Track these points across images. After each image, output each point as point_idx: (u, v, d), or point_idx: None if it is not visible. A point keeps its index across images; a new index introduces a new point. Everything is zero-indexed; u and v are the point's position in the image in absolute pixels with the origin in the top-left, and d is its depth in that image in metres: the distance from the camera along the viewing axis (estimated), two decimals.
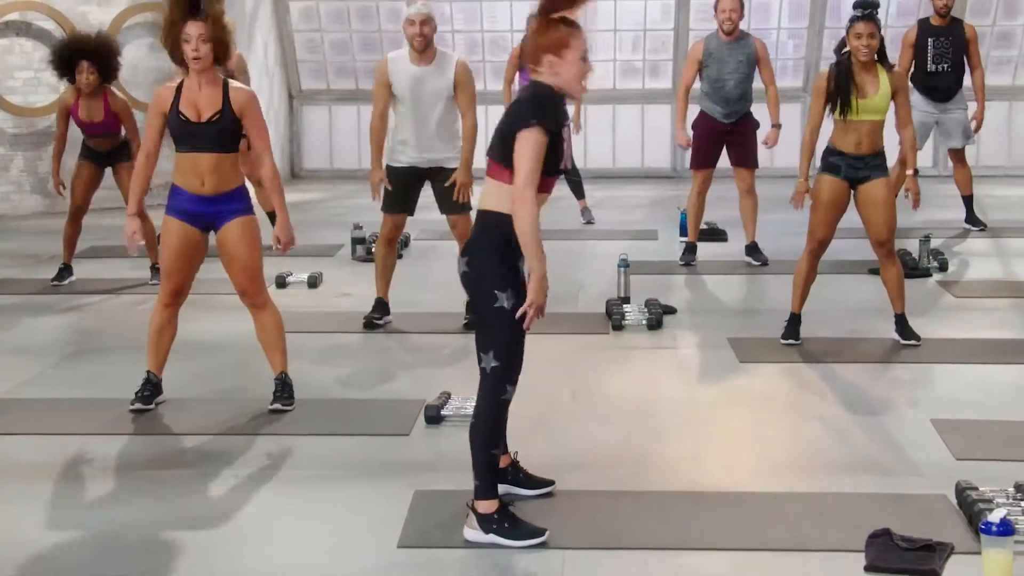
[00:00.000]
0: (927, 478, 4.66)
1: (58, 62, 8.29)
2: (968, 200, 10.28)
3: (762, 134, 9.01)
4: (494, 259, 4.07)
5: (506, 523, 4.07)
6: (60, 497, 4.57)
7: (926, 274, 8.41)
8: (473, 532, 4.08)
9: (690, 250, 8.95)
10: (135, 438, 5.24)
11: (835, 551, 3.99)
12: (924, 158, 12.81)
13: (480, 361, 4.12)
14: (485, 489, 4.11)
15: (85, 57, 8.18)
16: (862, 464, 4.85)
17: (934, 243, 8.99)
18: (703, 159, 8.87)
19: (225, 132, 5.33)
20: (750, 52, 8.78)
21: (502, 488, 4.28)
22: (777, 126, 8.90)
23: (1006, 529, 3.68)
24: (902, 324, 6.60)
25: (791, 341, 6.61)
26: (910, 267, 8.26)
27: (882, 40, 6.28)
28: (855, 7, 6.23)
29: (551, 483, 4.51)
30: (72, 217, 8.45)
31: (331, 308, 7.74)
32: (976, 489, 4.28)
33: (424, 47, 6.68)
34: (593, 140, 14.14)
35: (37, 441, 5.23)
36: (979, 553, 3.75)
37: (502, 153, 4.04)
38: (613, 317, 7.08)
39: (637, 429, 5.26)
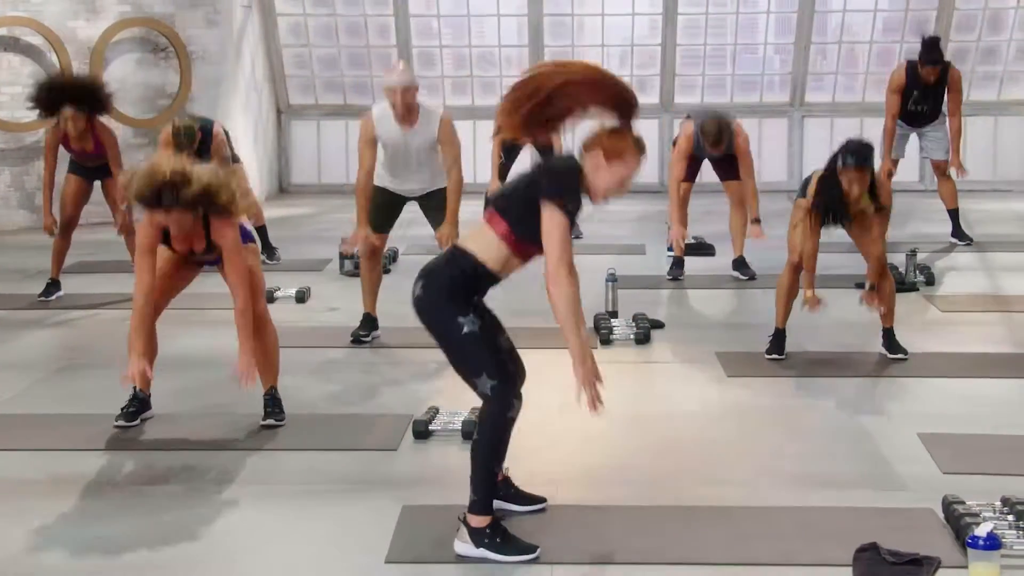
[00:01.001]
0: (914, 492, 4.67)
1: (40, 105, 8.18)
2: (954, 214, 10.32)
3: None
4: (450, 290, 4.07)
5: (498, 538, 4.06)
6: (46, 513, 4.55)
7: (912, 288, 8.43)
8: (464, 546, 4.08)
9: (677, 264, 8.96)
10: (122, 454, 5.23)
11: (822, 565, 3.99)
12: (909, 172, 12.88)
13: (476, 388, 4.08)
14: (481, 504, 4.09)
15: (68, 102, 8.08)
16: (849, 478, 4.86)
17: (920, 257, 9.02)
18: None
19: (220, 260, 5.37)
20: (731, 149, 8.61)
21: (495, 504, 4.28)
22: (757, 220, 8.62)
23: (993, 543, 3.69)
24: (889, 338, 6.62)
25: (775, 356, 6.62)
26: (897, 281, 8.27)
27: (872, 178, 6.35)
28: (849, 155, 6.27)
29: (543, 500, 4.50)
30: (62, 231, 8.43)
31: (319, 323, 7.74)
32: (963, 503, 4.29)
33: (407, 113, 6.68)
34: None
35: (23, 457, 5.21)
36: (966, 567, 3.76)
37: (506, 206, 4.06)
38: (601, 331, 7.08)
39: (625, 444, 5.27)
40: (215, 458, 5.14)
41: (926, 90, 9.90)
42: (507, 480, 4.50)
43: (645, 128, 14.90)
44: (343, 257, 9.18)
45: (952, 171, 10.10)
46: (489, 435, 4.10)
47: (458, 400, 5.50)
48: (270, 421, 5.51)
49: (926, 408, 5.81)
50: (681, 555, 4.10)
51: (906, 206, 11.15)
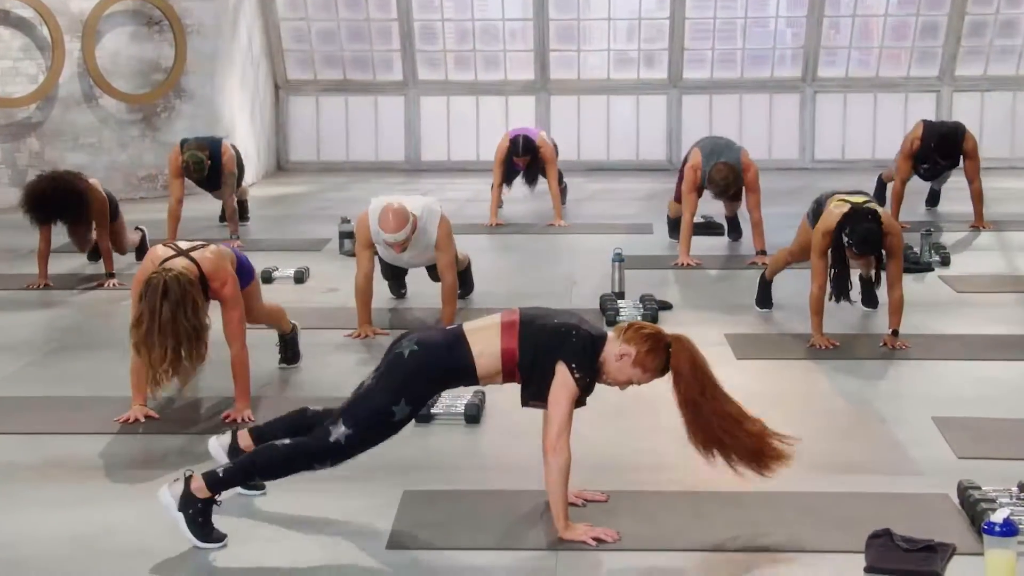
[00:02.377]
0: (928, 477, 4.67)
1: (32, 218, 8.13)
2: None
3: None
4: (433, 376, 4.16)
5: (200, 518, 4.07)
6: (41, 498, 4.56)
7: (928, 268, 8.42)
8: (169, 499, 4.07)
9: None
10: (117, 437, 5.23)
11: (834, 552, 3.99)
12: None
13: (331, 425, 4.12)
14: (218, 483, 4.09)
15: (59, 219, 8.11)
16: (862, 463, 4.86)
17: (936, 237, 9.00)
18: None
19: None
20: (740, 183, 8.62)
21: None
22: (763, 252, 8.62)
23: (1009, 529, 3.68)
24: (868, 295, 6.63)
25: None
26: (911, 261, 8.27)
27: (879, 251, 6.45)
28: (856, 246, 6.33)
29: (263, 487, 4.49)
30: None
31: (318, 304, 7.74)
32: (979, 488, 4.29)
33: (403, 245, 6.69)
34: (587, 132, 14.15)
35: (15, 440, 5.21)
36: (982, 554, 3.76)
37: (526, 333, 4.13)
38: (607, 313, 7.08)
39: (631, 428, 5.27)
40: None
41: (937, 167, 9.99)
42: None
43: (653, 104, 15.01)
44: (343, 236, 9.17)
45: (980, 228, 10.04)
46: (290, 457, 4.14)
47: None
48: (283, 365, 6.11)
49: (941, 391, 5.80)
50: (689, 542, 4.11)
51: (922, 186, 11.11)
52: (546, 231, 10.33)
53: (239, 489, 4.41)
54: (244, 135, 13.10)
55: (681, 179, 8.94)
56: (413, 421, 5.21)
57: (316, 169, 14.27)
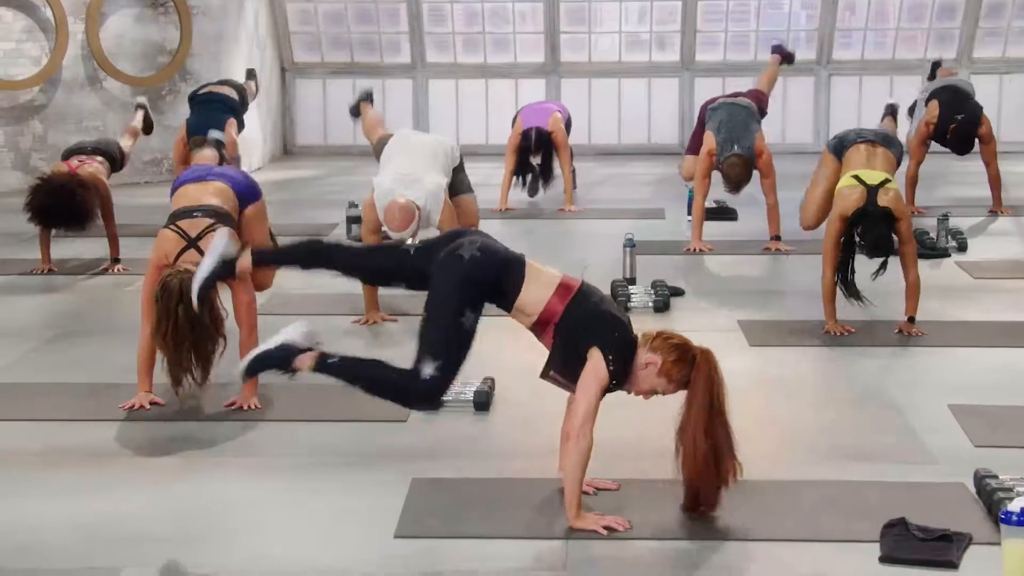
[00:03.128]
0: (944, 466, 4.66)
1: (36, 222, 8.10)
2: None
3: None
4: (490, 281, 4.18)
5: (274, 366, 4.27)
6: (44, 485, 4.57)
7: (944, 254, 8.40)
8: (288, 332, 4.30)
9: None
10: (121, 424, 5.24)
11: (848, 541, 3.99)
12: None
13: (418, 363, 4.14)
14: (325, 368, 4.27)
15: (60, 224, 8.07)
16: (876, 451, 4.85)
17: (953, 222, 8.97)
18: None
19: None
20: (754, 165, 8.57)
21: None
22: (778, 238, 8.64)
23: None
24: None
25: None
26: (927, 247, 8.25)
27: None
28: (867, 251, 6.39)
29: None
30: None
31: (325, 289, 7.73)
32: (996, 477, 4.28)
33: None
34: (598, 116, 14.13)
35: (18, 427, 5.23)
36: (998, 544, 3.74)
37: (575, 309, 4.14)
38: (618, 299, 7.07)
39: (643, 416, 5.25)
40: (217, 429, 5.15)
41: (954, 147, 9.96)
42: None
43: (665, 87, 14.95)
44: (350, 221, 9.17)
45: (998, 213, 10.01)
46: (397, 384, 4.19)
47: (471, 370, 5.49)
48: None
49: (957, 378, 5.79)
50: (702, 530, 4.10)
51: (938, 169, 11.09)
52: (557, 216, 10.32)
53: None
54: (250, 118, 13.08)
55: (700, 128, 8.89)
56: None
57: (323, 153, 14.26)
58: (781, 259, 8.47)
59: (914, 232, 6.76)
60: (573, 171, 10.95)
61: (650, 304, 7.07)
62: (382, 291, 7.00)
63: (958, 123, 9.75)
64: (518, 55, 14.36)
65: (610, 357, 4.08)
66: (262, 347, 4.36)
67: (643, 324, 6.67)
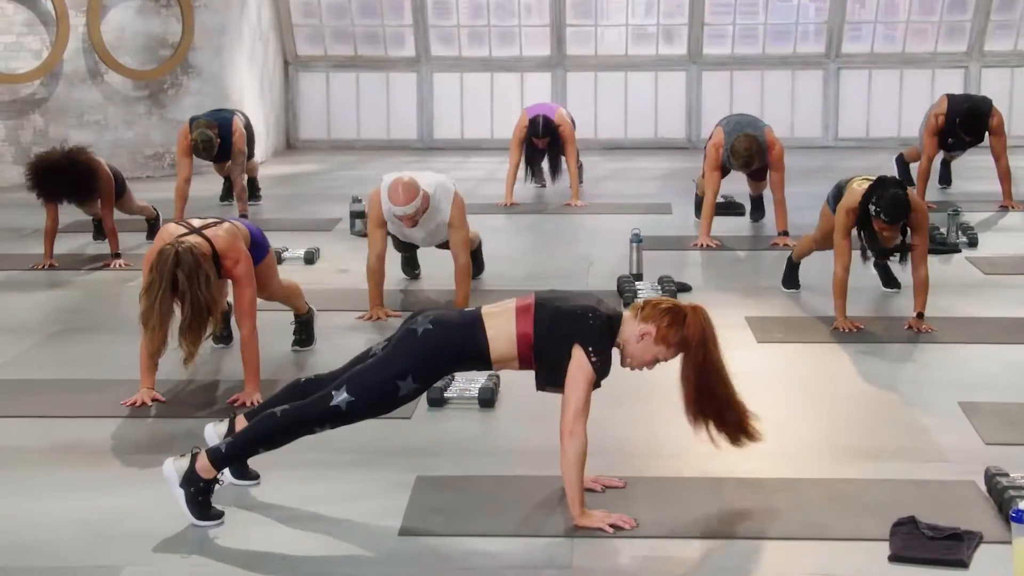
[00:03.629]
0: (955, 463, 4.66)
1: (39, 195, 8.12)
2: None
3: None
4: (447, 357, 4.18)
5: (201, 497, 4.13)
6: (46, 483, 4.58)
7: (954, 249, 8.39)
8: (173, 474, 4.14)
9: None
10: (123, 421, 5.25)
11: (857, 540, 3.99)
12: None
13: (332, 391, 4.14)
14: (221, 460, 4.16)
15: (64, 197, 8.10)
16: (886, 449, 4.85)
17: (963, 217, 8.96)
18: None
19: None
20: (764, 160, 8.55)
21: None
22: (785, 233, 8.62)
23: None
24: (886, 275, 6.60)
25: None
26: (938, 242, 8.24)
27: (905, 225, 6.39)
28: (883, 210, 6.26)
29: (256, 477, 4.52)
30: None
31: (329, 285, 7.74)
32: (1007, 475, 4.28)
33: (415, 220, 6.67)
34: (604, 109, 14.11)
35: (20, 424, 5.24)
36: (1009, 542, 3.75)
37: (542, 316, 4.13)
38: (625, 295, 7.07)
39: (650, 413, 5.26)
40: None
41: (962, 142, 9.94)
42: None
43: (672, 81, 14.94)
44: (354, 216, 9.18)
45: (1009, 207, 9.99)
46: (289, 423, 4.16)
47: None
48: (296, 347, 6.17)
49: (968, 375, 5.79)
50: (709, 529, 4.11)
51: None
52: (563, 211, 10.31)
53: (232, 480, 4.42)
54: (253, 112, 13.07)
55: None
56: (427, 404, 5.24)
57: (326, 147, 14.26)
58: (789, 255, 8.46)
59: None
60: (580, 166, 10.94)
61: None
62: (386, 287, 7.01)
63: (965, 111, 9.72)
64: (523, 48, 14.34)
65: (590, 349, 4.08)
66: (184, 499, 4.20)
67: None
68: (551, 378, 4.17)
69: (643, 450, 4.83)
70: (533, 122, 10.30)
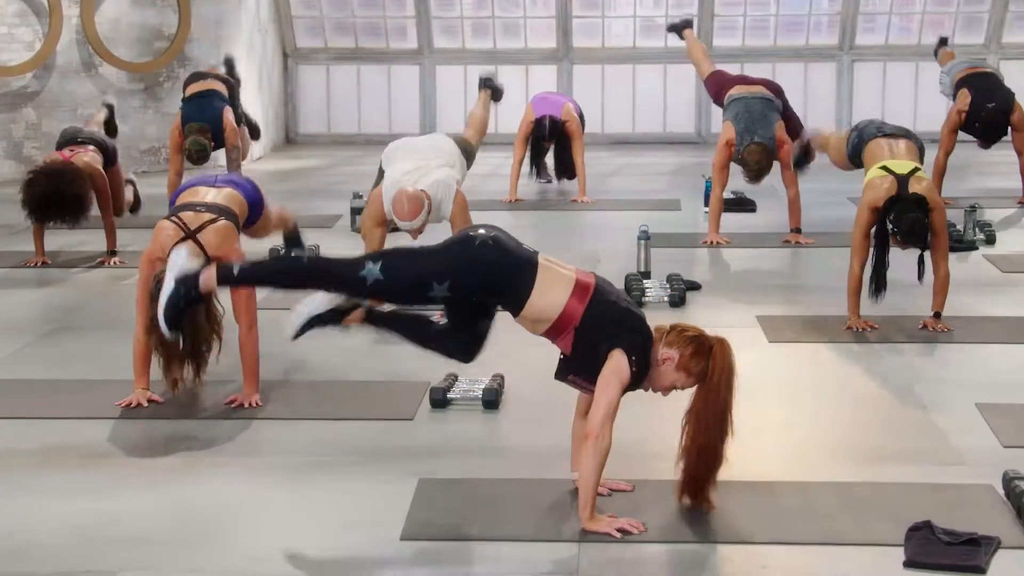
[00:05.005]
0: (972, 467, 4.66)
1: (33, 217, 8.09)
2: None
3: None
4: (488, 276, 4.16)
5: (182, 303, 4.27)
6: (39, 485, 4.59)
7: (971, 247, 8.39)
8: (177, 260, 4.28)
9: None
10: (119, 422, 5.26)
11: (871, 545, 3.99)
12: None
13: (367, 259, 4.16)
14: (229, 278, 4.27)
15: (56, 217, 8.01)
16: (901, 451, 4.85)
17: (980, 214, 8.96)
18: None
19: None
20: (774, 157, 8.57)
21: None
22: (798, 230, 8.66)
23: None
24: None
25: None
26: (954, 239, 8.22)
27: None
28: (901, 237, 6.29)
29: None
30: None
31: None
32: None
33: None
34: (612, 103, 14.12)
35: (13, 426, 5.24)
36: None
37: (595, 311, 4.12)
38: (632, 293, 7.07)
39: (658, 415, 5.25)
40: (217, 428, 5.17)
41: (990, 128, 9.93)
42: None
43: (681, 74, 14.92)
44: (355, 212, 9.18)
45: None
46: (314, 273, 4.21)
47: (478, 366, 5.50)
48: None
49: (985, 376, 5.79)
50: (719, 533, 4.11)
51: (965, 159, 11.07)
52: (569, 207, 10.32)
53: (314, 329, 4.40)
54: (251, 106, 13.09)
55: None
56: (430, 405, 5.24)
57: (326, 142, 14.27)
58: (801, 252, 8.46)
59: None
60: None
61: (665, 299, 7.07)
62: None
63: (989, 111, 9.73)
64: (529, 40, 14.35)
65: (634, 358, 4.09)
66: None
67: (658, 319, 6.72)
68: (579, 369, 4.16)
69: (650, 453, 4.83)
70: (539, 123, 10.31)
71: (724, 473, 4.56)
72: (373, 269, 4.10)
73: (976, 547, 3.89)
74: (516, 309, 4.19)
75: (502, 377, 5.49)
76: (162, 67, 12.48)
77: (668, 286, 7.19)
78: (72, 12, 11.99)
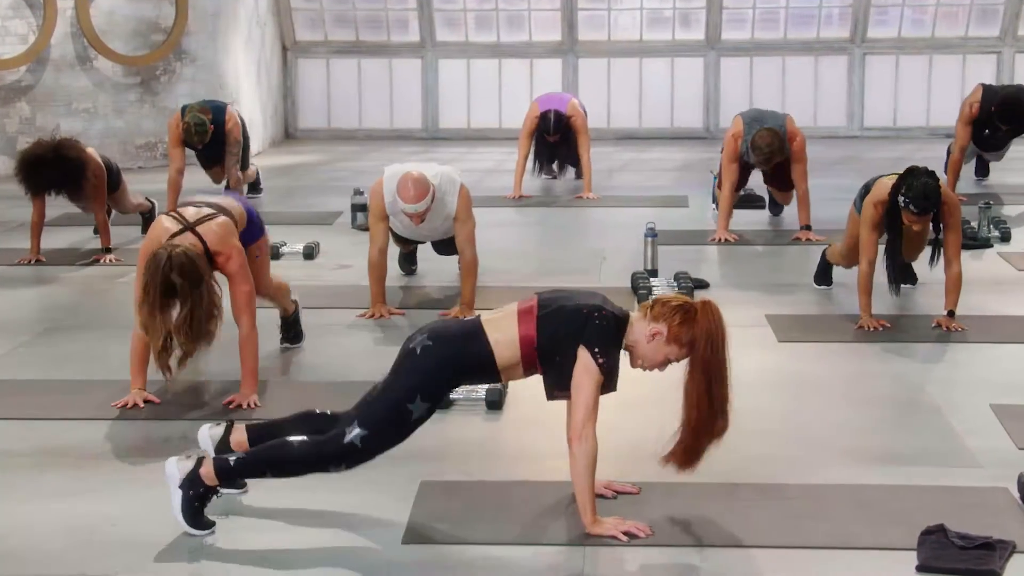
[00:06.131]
0: (986, 469, 4.66)
1: (27, 187, 8.14)
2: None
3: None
4: (450, 369, 4.17)
5: (197, 502, 4.14)
6: (35, 488, 4.59)
7: (986, 244, 8.39)
8: (175, 474, 4.15)
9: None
10: (115, 423, 5.27)
11: (884, 549, 3.99)
12: None
13: (345, 426, 4.15)
14: (228, 473, 4.17)
15: (51, 189, 8.09)
16: (914, 453, 4.85)
17: (995, 210, 8.96)
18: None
19: None
20: (785, 152, 8.54)
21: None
22: (807, 227, 8.64)
23: None
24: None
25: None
26: (969, 237, 8.22)
27: (936, 216, 6.35)
28: (913, 204, 6.23)
29: (244, 486, 4.48)
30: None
31: (329, 281, 7.76)
32: None
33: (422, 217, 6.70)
34: (618, 98, 14.12)
35: (7, 426, 5.25)
36: None
37: (545, 316, 4.13)
38: (639, 291, 7.08)
39: (665, 415, 5.25)
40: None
41: (998, 134, 9.87)
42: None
43: (689, 67, 14.94)
44: (355, 209, 9.19)
45: None
46: (305, 457, 4.16)
47: None
48: (286, 344, 6.16)
49: (1000, 376, 5.78)
50: (727, 537, 4.11)
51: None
52: (574, 204, 10.32)
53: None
54: (249, 100, 13.12)
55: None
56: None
57: (326, 137, 14.28)
58: (811, 251, 8.45)
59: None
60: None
61: None
62: (388, 283, 7.02)
63: (1003, 97, 9.67)
64: (533, 33, 14.35)
65: (596, 350, 4.09)
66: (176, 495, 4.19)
67: None
68: (559, 382, 4.17)
69: (654, 454, 4.82)
70: (544, 117, 10.31)
71: (733, 475, 4.58)
72: (354, 430, 4.12)
73: (991, 551, 3.89)
74: (493, 374, 4.22)
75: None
76: (159, 60, 12.48)
77: (675, 284, 7.19)
78: (67, 4, 12.00)
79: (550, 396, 4.25)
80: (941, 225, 6.42)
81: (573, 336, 4.11)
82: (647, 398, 5.19)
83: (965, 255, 6.80)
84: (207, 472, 4.15)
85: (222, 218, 5.45)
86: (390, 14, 14.40)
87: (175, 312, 5.03)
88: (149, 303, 5.01)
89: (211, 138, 9.40)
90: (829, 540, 4.08)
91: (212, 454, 4.37)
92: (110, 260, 8.27)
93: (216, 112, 9.49)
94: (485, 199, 9.36)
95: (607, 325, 4.13)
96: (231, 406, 5.37)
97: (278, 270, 6.22)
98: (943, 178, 7.77)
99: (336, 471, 4.20)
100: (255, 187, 10.51)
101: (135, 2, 12.40)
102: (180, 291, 4.98)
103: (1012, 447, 4.87)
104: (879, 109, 14.07)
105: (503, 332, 4.16)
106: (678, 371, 4.30)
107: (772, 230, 9.09)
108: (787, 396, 5.61)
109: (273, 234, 8.44)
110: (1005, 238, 8.56)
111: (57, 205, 8.68)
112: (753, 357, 6.14)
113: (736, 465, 4.71)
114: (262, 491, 4.53)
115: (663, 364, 4.21)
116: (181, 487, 4.14)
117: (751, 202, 9.73)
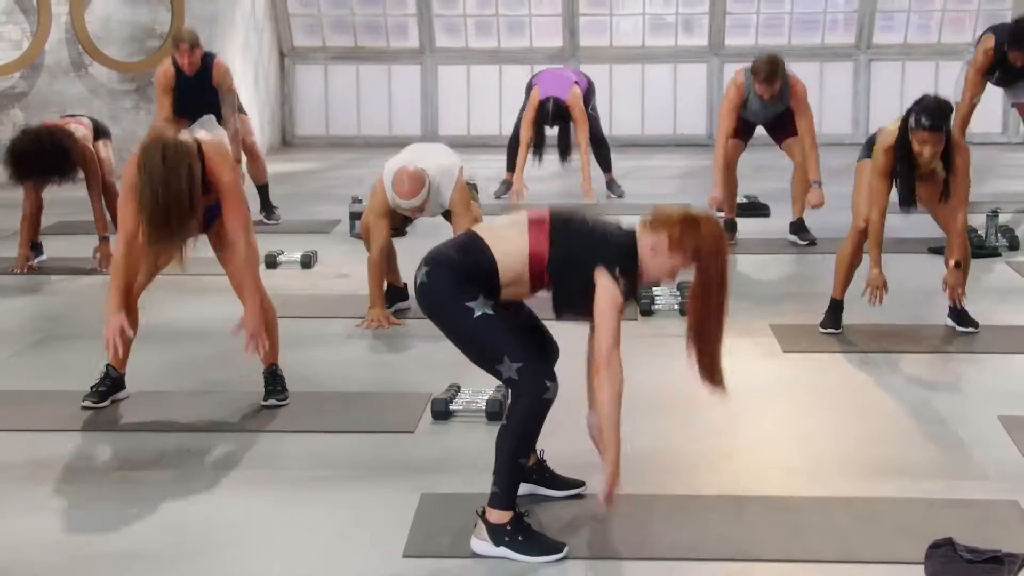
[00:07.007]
0: (995, 481, 4.65)
1: (14, 176, 8.12)
2: None
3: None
4: (458, 276, 4.10)
5: (520, 536, 4.05)
6: (24, 500, 4.59)
7: (993, 253, 8.39)
8: (482, 544, 4.07)
9: (728, 227, 8.91)
10: (108, 435, 5.26)
11: (890, 563, 3.98)
12: (991, 122, 12.75)
13: (501, 376, 4.10)
14: (503, 498, 4.08)
15: (39, 174, 8.05)
16: (920, 465, 4.85)
17: (1003, 218, 8.96)
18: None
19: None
20: (786, 101, 8.56)
21: (525, 488, 4.28)
22: (817, 183, 8.56)
23: None
24: (957, 311, 6.57)
25: (831, 330, 6.59)
26: (976, 245, 8.22)
27: (948, 139, 6.20)
28: (923, 114, 6.11)
29: (581, 484, 4.51)
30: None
31: (327, 290, 7.76)
32: None
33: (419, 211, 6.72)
34: (620, 104, 14.12)
35: (0, 438, 5.24)
36: None
37: (560, 233, 4.09)
38: (642, 302, 7.07)
39: (668, 426, 5.26)
40: (211, 440, 5.17)
41: (1012, 71, 9.78)
42: (542, 463, 4.51)
43: (692, 73, 14.91)
44: (354, 217, 9.18)
45: None
46: (519, 423, 4.10)
47: (482, 377, 5.48)
48: (271, 401, 5.51)
49: (1008, 387, 5.78)
50: (731, 550, 4.10)
51: (987, 160, 11.06)
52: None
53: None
54: (247, 107, 13.11)
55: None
56: (431, 417, 5.24)
57: (325, 144, 14.29)
58: (816, 259, 8.45)
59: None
60: (607, 155, 10.82)
61: (676, 306, 7.07)
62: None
63: (1013, 27, 9.53)
64: (534, 39, 14.36)
65: (616, 271, 4.04)
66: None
67: (668, 328, 6.72)
68: (570, 300, 4.11)
69: (664, 466, 4.83)
70: (543, 107, 10.29)
71: (738, 487, 4.58)
72: (501, 370, 4.08)
73: (1000, 565, 3.88)
74: (496, 288, 4.12)
75: (507, 389, 5.48)
76: (154, 67, 12.47)
77: (678, 293, 7.18)
78: (61, 10, 12.01)
79: (559, 315, 4.19)
80: (949, 168, 6.25)
81: (592, 255, 4.06)
82: (648, 406, 5.19)
83: (972, 265, 6.79)
84: (495, 516, 4.07)
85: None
86: (389, 20, 14.41)
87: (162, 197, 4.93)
88: (140, 187, 4.94)
89: (199, 78, 9.17)
90: (836, 554, 4.07)
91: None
92: (106, 261, 8.18)
93: (206, 56, 9.32)
94: (487, 207, 9.31)
95: (623, 243, 4.11)
96: (236, 334, 5.29)
97: (276, 279, 6.22)
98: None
99: (551, 393, 4.06)
100: (270, 213, 10.06)
101: (131, 7, 12.42)
102: (169, 174, 4.89)
103: (1021, 459, 4.86)
104: (885, 116, 13.82)
105: (510, 244, 4.10)
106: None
107: (776, 239, 9.08)
108: (792, 407, 5.60)
109: (270, 242, 8.47)
110: (1013, 246, 8.55)
111: (51, 214, 8.68)
112: (758, 367, 6.13)
113: (740, 477, 4.71)
114: (257, 501, 4.53)
115: (669, 274, 4.17)
116: (501, 545, 4.03)
117: (755, 210, 9.74)
